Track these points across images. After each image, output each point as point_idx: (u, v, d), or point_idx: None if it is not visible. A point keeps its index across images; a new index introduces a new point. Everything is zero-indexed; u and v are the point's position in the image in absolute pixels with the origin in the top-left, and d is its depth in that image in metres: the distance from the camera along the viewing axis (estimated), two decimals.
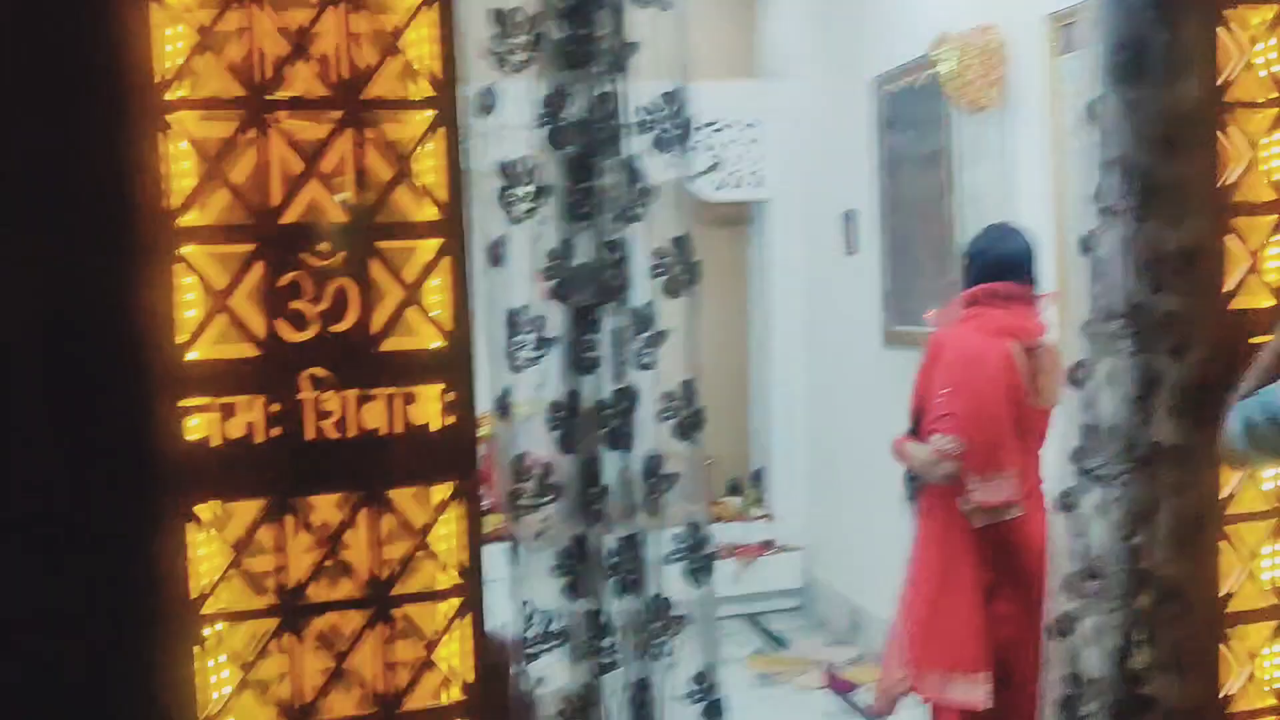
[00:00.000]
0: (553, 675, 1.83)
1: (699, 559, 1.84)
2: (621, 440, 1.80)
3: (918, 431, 2.84)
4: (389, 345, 1.68)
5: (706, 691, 1.85)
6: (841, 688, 4.27)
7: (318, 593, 1.67)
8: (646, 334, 1.83)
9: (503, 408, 1.82)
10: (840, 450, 4.96)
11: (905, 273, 4.21)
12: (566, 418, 1.79)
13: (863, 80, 4.44)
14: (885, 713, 2.93)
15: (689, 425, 1.83)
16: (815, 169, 5.10)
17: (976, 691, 2.71)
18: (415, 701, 1.71)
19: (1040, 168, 3.42)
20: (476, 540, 1.73)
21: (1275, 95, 2.05)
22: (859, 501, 4.66)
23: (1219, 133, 2.02)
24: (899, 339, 4.18)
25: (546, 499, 1.78)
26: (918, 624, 2.80)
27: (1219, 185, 2.04)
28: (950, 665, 2.74)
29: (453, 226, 1.71)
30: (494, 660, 1.77)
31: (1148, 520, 2.02)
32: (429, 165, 1.69)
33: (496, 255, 1.80)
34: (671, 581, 1.83)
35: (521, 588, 1.81)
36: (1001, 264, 2.81)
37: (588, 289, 1.80)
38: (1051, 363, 2.74)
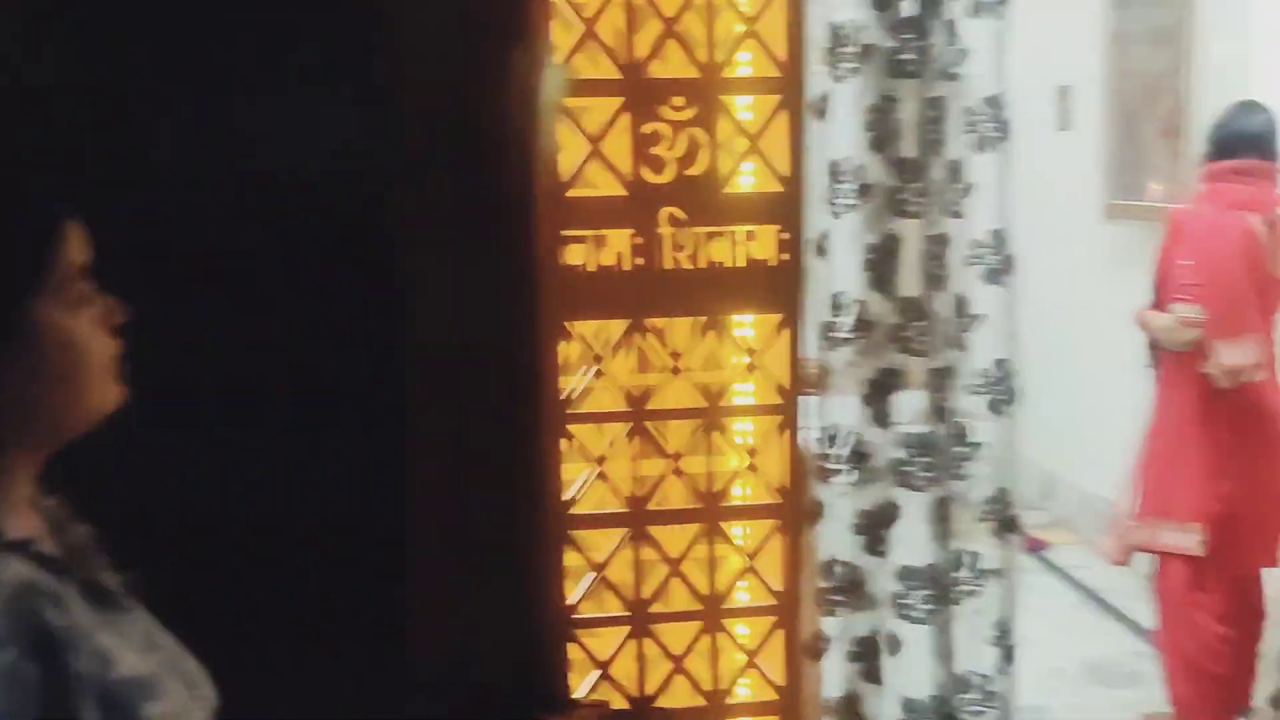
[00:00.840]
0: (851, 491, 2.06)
1: (1003, 391, 2.04)
2: (934, 282, 1.99)
3: (1161, 303, 2.97)
4: (733, 188, 1.90)
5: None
6: (1035, 546, 4.48)
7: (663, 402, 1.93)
8: (959, 185, 2.00)
9: (821, 249, 2.03)
10: (1050, 325, 5.04)
11: (1129, 148, 4.24)
12: (881, 259, 1.99)
13: None
14: (1122, 562, 3.14)
15: (998, 271, 2.02)
16: (1033, 42, 5.08)
17: (1188, 539, 2.89)
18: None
19: None
20: (797, 361, 1.96)
21: None
22: (1065, 377, 4.77)
23: None
24: (1120, 212, 4.24)
25: (860, 334, 2.00)
26: (1147, 476, 2.99)
27: None
28: (1166, 514, 2.93)
29: (790, 84, 1.91)
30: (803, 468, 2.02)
31: None
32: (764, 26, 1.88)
33: (822, 110, 1.99)
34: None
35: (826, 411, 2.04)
36: (1242, 139, 2.89)
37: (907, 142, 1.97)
38: None
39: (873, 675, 1.99)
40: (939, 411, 1.98)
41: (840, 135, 2.00)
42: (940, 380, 1.97)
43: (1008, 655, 2.03)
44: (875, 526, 2.03)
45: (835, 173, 1.99)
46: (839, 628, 2.01)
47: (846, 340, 2.01)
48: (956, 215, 1.97)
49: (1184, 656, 2.94)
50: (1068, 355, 4.72)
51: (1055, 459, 4.88)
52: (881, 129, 1.97)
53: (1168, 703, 3.03)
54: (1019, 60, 5.39)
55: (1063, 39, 4.66)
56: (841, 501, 2.03)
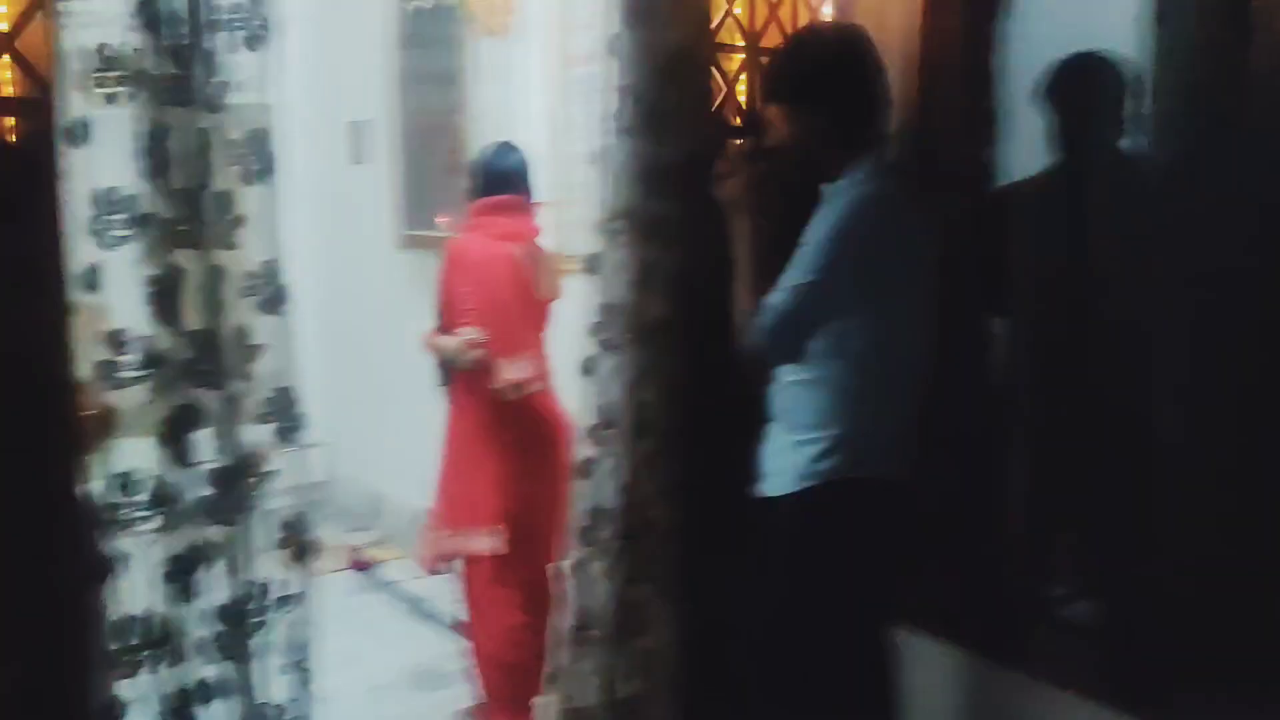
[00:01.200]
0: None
1: (288, 418, 2.06)
2: (216, 313, 1.96)
3: (446, 327, 3.21)
4: None
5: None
6: (363, 566, 4.61)
7: None
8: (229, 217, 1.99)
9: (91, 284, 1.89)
10: (358, 350, 5.21)
11: (418, 182, 4.51)
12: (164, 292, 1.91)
13: None
14: (435, 570, 3.32)
15: (272, 301, 2.04)
16: (324, 78, 5.22)
17: (491, 541, 3.18)
18: None
19: (544, 91, 3.86)
20: None
21: (743, 42, 2.58)
22: (377, 397, 4.95)
23: (712, 68, 2.51)
24: (414, 242, 4.50)
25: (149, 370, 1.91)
26: (447, 488, 3.22)
27: (710, 110, 2.52)
28: (469, 520, 3.18)
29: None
30: None
31: (648, 379, 2.52)
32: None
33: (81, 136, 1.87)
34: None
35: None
36: (501, 177, 3.22)
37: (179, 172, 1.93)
38: (546, 262, 3.25)
39: None
40: (230, 444, 1.96)
41: (111, 163, 1.91)
42: (229, 412, 1.96)
43: (305, 680, 2.07)
44: (184, 572, 1.96)
45: (103, 202, 1.89)
46: (146, 686, 1.91)
47: (135, 379, 1.92)
48: (229, 247, 1.97)
49: (490, 650, 3.20)
50: (379, 376, 4.92)
51: (379, 477, 5.06)
52: (154, 158, 1.90)
53: (477, 696, 3.27)
54: (317, 95, 5.52)
55: (356, 77, 4.85)
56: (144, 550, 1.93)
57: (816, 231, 2.10)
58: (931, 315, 2.21)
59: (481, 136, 4.05)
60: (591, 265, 2.51)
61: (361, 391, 5.23)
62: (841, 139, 2.15)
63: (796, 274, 2.10)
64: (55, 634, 1.77)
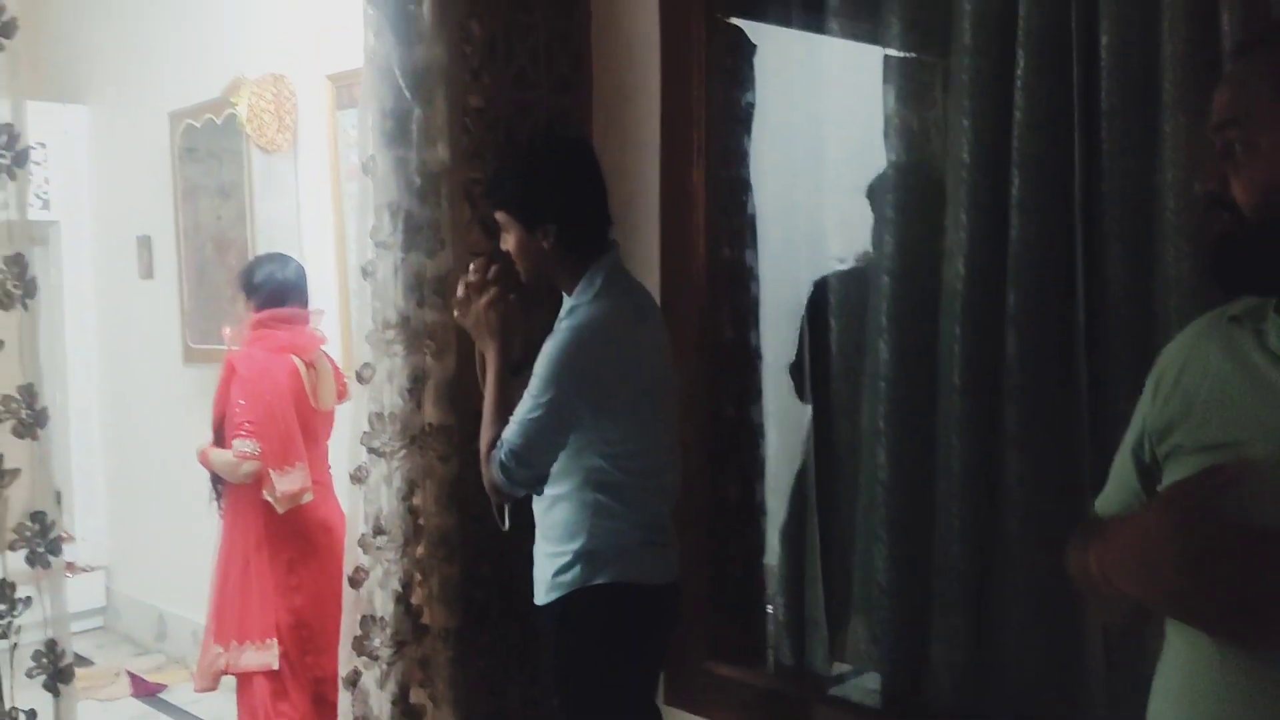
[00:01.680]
0: None
1: (45, 544, 2.05)
2: None
3: (221, 440, 3.21)
4: None
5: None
6: (148, 691, 4.45)
7: None
8: None
9: None
10: (142, 466, 5.08)
11: (205, 295, 4.49)
12: None
13: (162, 111, 4.60)
14: (208, 688, 3.25)
15: (29, 425, 2.04)
16: (109, 193, 5.16)
17: (267, 655, 3.15)
18: None
19: (324, 203, 3.93)
20: None
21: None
22: (162, 514, 4.83)
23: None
24: (199, 356, 4.46)
25: None
26: (221, 604, 3.19)
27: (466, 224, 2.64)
28: (245, 635, 3.16)
29: None
30: None
31: (420, 485, 2.58)
32: None
33: None
34: None
35: None
36: (280, 291, 3.27)
37: None
38: (326, 371, 3.30)
39: None
40: None
41: None
42: None
43: None
44: None
45: None
46: None
47: None
48: None
49: None
50: (161, 491, 4.81)
51: (165, 598, 4.91)
52: None
53: None
54: (107, 211, 5.44)
55: (142, 192, 4.81)
56: None
57: (545, 358, 2.13)
58: (674, 421, 2.29)
59: (265, 248, 4.09)
60: (361, 375, 2.56)
61: (145, 510, 5.09)
62: (569, 247, 2.18)
63: (526, 406, 2.12)
64: None
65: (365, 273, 2.58)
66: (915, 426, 2.30)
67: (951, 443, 2.22)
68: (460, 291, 2.32)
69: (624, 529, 2.19)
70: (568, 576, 2.19)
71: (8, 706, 1.97)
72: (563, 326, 2.18)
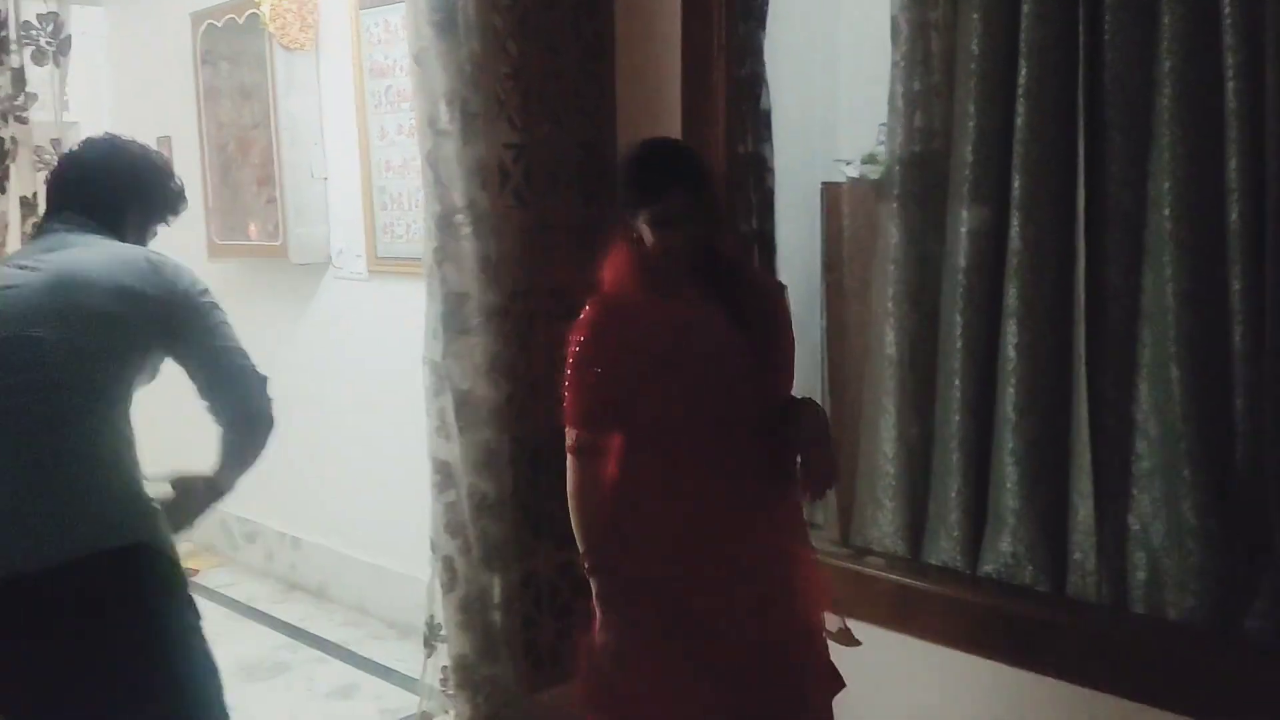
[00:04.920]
0: None
1: None
2: None
3: None
4: None
5: None
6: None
7: None
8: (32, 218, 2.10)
9: None
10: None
11: (229, 193, 4.58)
12: None
13: (184, 10, 4.62)
14: None
15: None
16: (129, 95, 5.22)
17: None
18: None
19: (347, 101, 4.00)
20: None
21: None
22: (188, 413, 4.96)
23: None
24: (226, 251, 4.57)
25: None
26: None
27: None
28: None
29: None
30: None
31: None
32: None
33: None
34: None
35: None
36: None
37: None
38: None
39: None
40: None
41: None
42: None
43: None
44: None
45: None
46: None
47: None
48: None
49: None
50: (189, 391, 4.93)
51: None
52: None
53: None
54: (126, 111, 5.42)
55: (163, 92, 4.87)
56: None
57: None
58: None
59: (288, 147, 4.18)
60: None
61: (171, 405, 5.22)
62: None
63: None
64: None
65: (428, 160, 2.68)
66: None
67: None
68: None
69: None
70: None
71: None
72: None
